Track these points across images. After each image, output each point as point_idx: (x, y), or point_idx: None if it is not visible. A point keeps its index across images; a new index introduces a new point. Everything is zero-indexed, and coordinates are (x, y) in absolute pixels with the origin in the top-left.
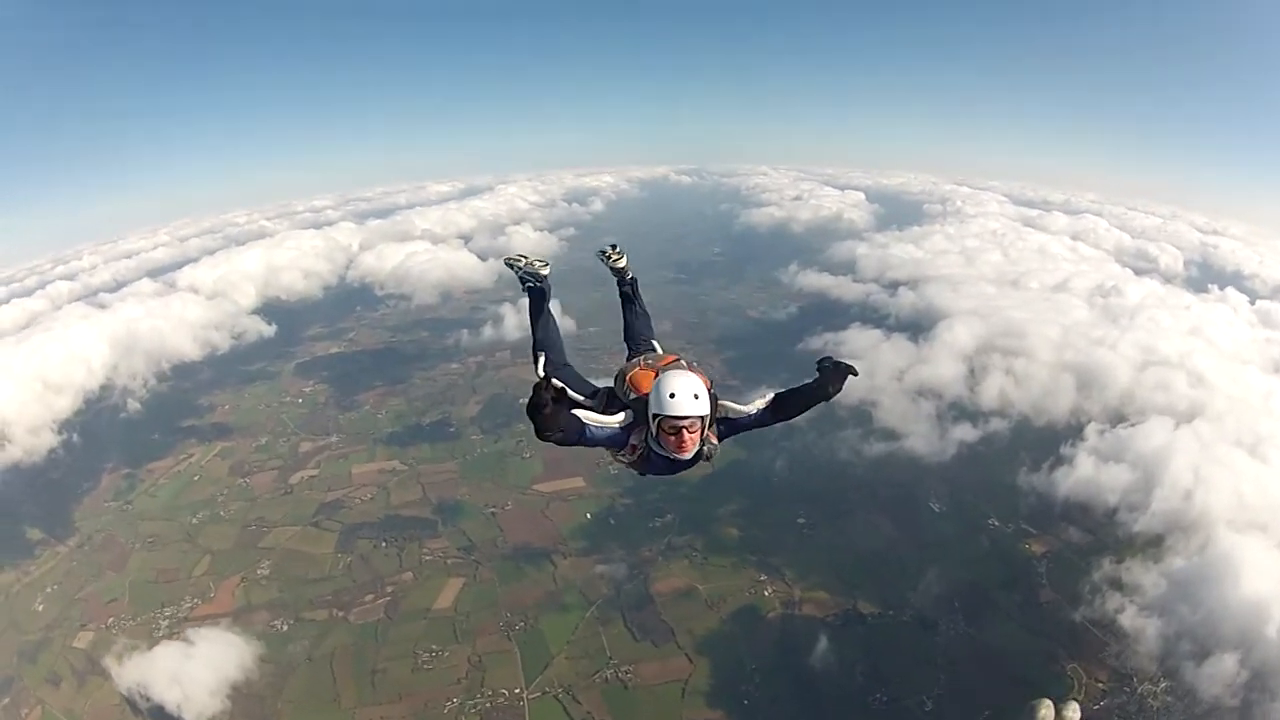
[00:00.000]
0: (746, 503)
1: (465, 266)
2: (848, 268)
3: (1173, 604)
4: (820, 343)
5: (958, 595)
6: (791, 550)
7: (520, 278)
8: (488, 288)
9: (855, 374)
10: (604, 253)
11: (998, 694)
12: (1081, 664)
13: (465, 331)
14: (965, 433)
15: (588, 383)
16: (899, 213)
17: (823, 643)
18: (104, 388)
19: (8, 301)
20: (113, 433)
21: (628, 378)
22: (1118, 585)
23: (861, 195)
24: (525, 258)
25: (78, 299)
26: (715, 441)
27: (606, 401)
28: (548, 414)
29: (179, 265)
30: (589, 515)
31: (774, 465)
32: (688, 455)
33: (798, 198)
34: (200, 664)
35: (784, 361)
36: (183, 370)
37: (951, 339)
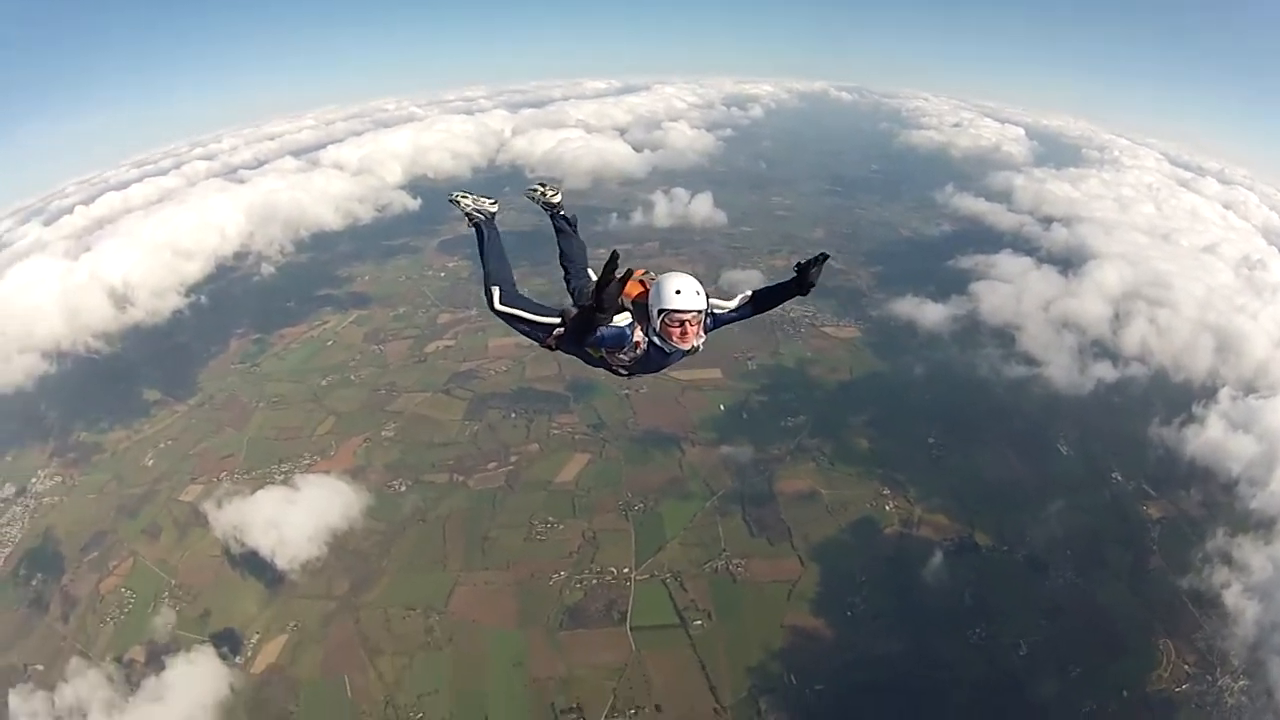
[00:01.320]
0: (880, 413)
1: (619, 156)
2: (1003, 197)
3: (1276, 590)
4: (970, 263)
5: (1071, 544)
6: (918, 469)
7: (466, 214)
8: (640, 178)
9: (828, 257)
10: (533, 190)
11: (1090, 653)
12: (1174, 641)
13: (615, 216)
14: (1104, 371)
15: (545, 306)
16: (1056, 153)
17: (934, 567)
18: (238, 255)
19: (140, 180)
20: (245, 299)
21: (624, 288)
22: (1227, 560)
23: (1021, 131)
24: (471, 194)
25: (215, 176)
26: (703, 335)
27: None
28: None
29: (323, 145)
30: (722, 407)
31: (912, 372)
32: (687, 346)
33: (957, 125)
34: (303, 510)
35: (934, 277)
36: (323, 241)
37: (1100, 279)
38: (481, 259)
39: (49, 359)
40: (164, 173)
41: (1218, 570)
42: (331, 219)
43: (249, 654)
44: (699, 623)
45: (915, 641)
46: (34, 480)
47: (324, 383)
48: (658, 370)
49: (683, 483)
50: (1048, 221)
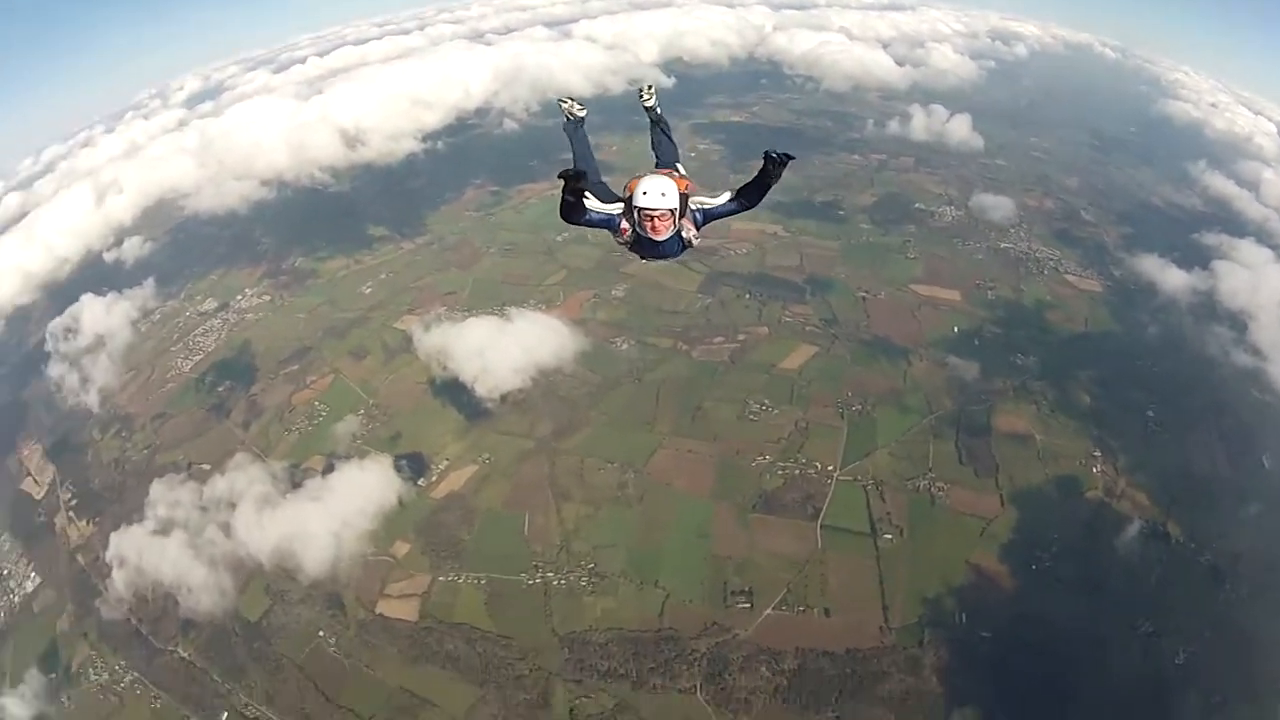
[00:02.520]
0: (1107, 372)
1: (880, 66)
2: (1252, 187)
3: None
4: (1215, 240)
5: (1253, 561)
6: (1132, 439)
7: (565, 114)
8: (900, 91)
9: (793, 158)
10: (640, 91)
11: (1238, 684)
12: None
13: (870, 123)
14: None
15: (612, 192)
16: None
17: (1124, 545)
18: (479, 110)
19: (380, 38)
20: (485, 152)
21: (627, 184)
22: None
23: (1274, 128)
24: (571, 99)
25: (461, 39)
26: (694, 230)
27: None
28: (571, 202)
29: (576, 20)
30: (956, 329)
31: (1145, 335)
32: (660, 238)
33: (1214, 105)
34: (513, 341)
35: (1179, 246)
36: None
37: None
38: (572, 150)
39: (268, 186)
40: (406, 32)
41: None
42: (580, 86)
43: (433, 478)
44: (889, 536)
45: (1087, 615)
46: (239, 298)
47: (559, 238)
48: (661, 257)
49: (903, 395)
50: None
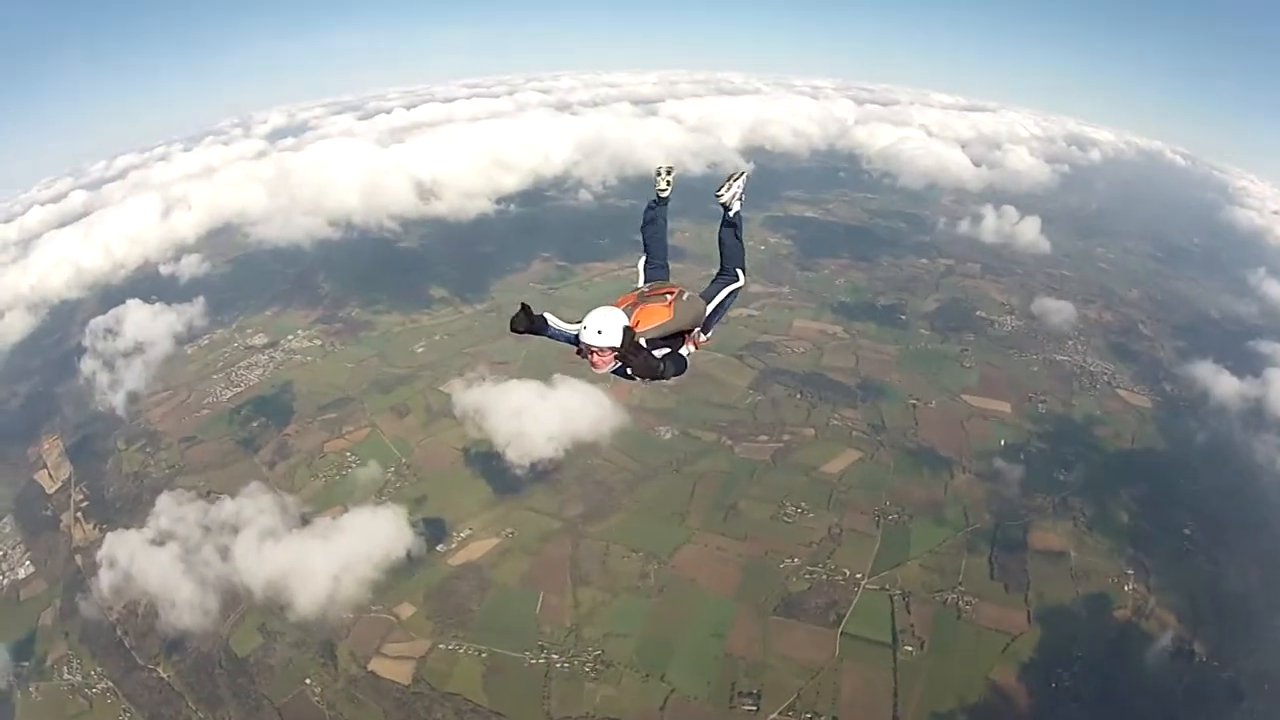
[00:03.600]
0: (1148, 491)
1: (957, 164)
2: None
3: None
4: (1269, 348)
5: (1271, 680)
6: (1165, 557)
7: (657, 190)
8: (974, 191)
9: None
10: (658, 173)
11: None
12: None
13: (943, 221)
14: None
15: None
16: None
17: (1148, 665)
18: (557, 179)
19: (468, 99)
20: (558, 226)
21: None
22: None
23: None
24: (665, 172)
25: (548, 107)
26: (704, 337)
27: None
28: (516, 317)
29: (663, 100)
30: (1003, 442)
31: (1191, 448)
32: (600, 372)
33: (1277, 213)
34: (552, 407)
35: (1233, 354)
36: (648, 193)
37: None
38: (643, 236)
39: (336, 226)
40: (495, 96)
41: None
42: (659, 163)
43: (452, 544)
44: (909, 649)
45: None
46: (290, 338)
47: None
48: (628, 379)
49: (942, 506)
50: None
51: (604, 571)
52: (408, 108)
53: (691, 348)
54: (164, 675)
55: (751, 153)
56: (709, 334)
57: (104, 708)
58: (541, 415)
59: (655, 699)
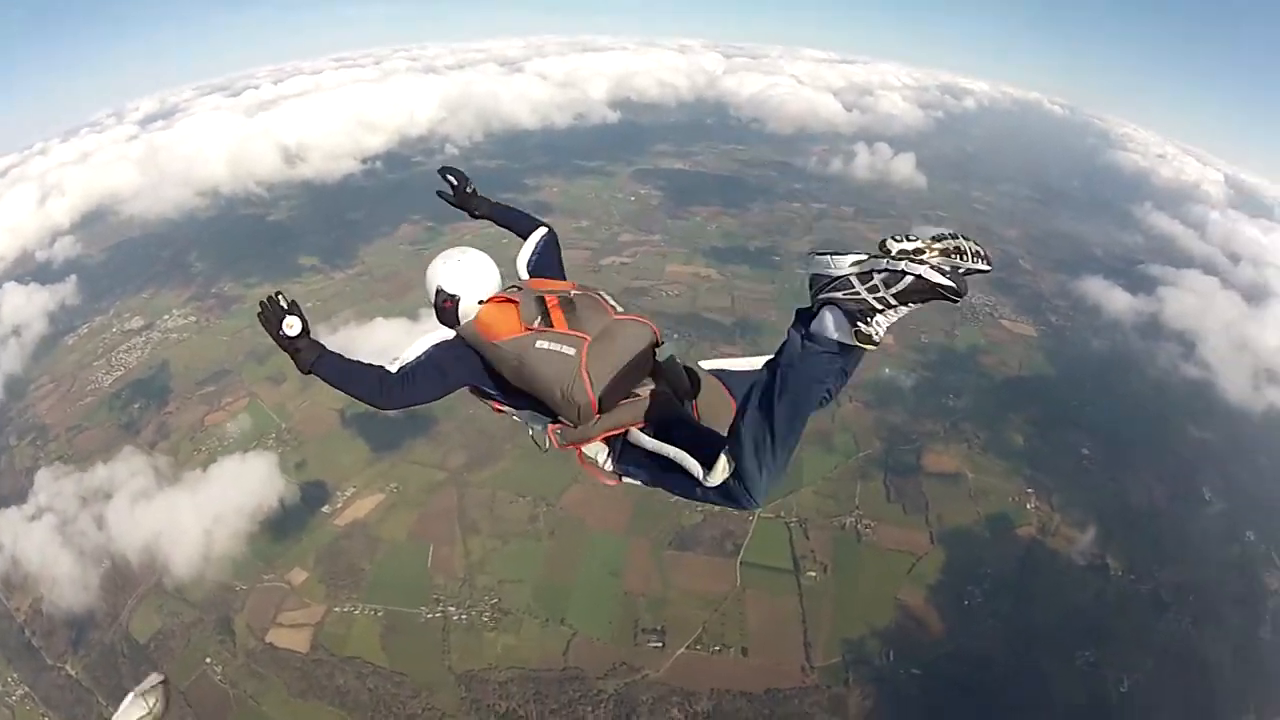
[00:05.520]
0: (1040, 414)
1: (826, 108)
2: (1197, 227)
3: None
4: (1160, 272)
5: (1194, 591)
6: (1065, 477)
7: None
8: (846, 134)
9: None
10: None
11: (1184, 710)
12: None
13: (814, 160)
14: (1276, 397)
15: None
16: (1251, 204)
17: (1061, 580)
18: (423, 138)
19: (337, 70)
20: (424, 188)
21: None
22: None
23: (1221, 177)
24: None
25: (412, 70)
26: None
27: None
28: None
29: (530, 59)
30: (887, 371)
31: (1081, 371)
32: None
33: (1161, 156)
34: (419, 336)
35: (1127, 276)
36: (515, 148)
37: None
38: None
39: (204, 197)
40: (362, 67)
41: None
42: (527, 119)
43: (338, 504)
44: (812, 574)
45: (1023, 650)
46: (165, 318)
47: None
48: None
49: (830, 435)
50: (1236, 259)
51: (492, 518)
52: (275, 83)
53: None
54: (73, 673)
55: (618, 104)
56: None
57: (25, 715)
58: (408, 347)
59: (558, 644)
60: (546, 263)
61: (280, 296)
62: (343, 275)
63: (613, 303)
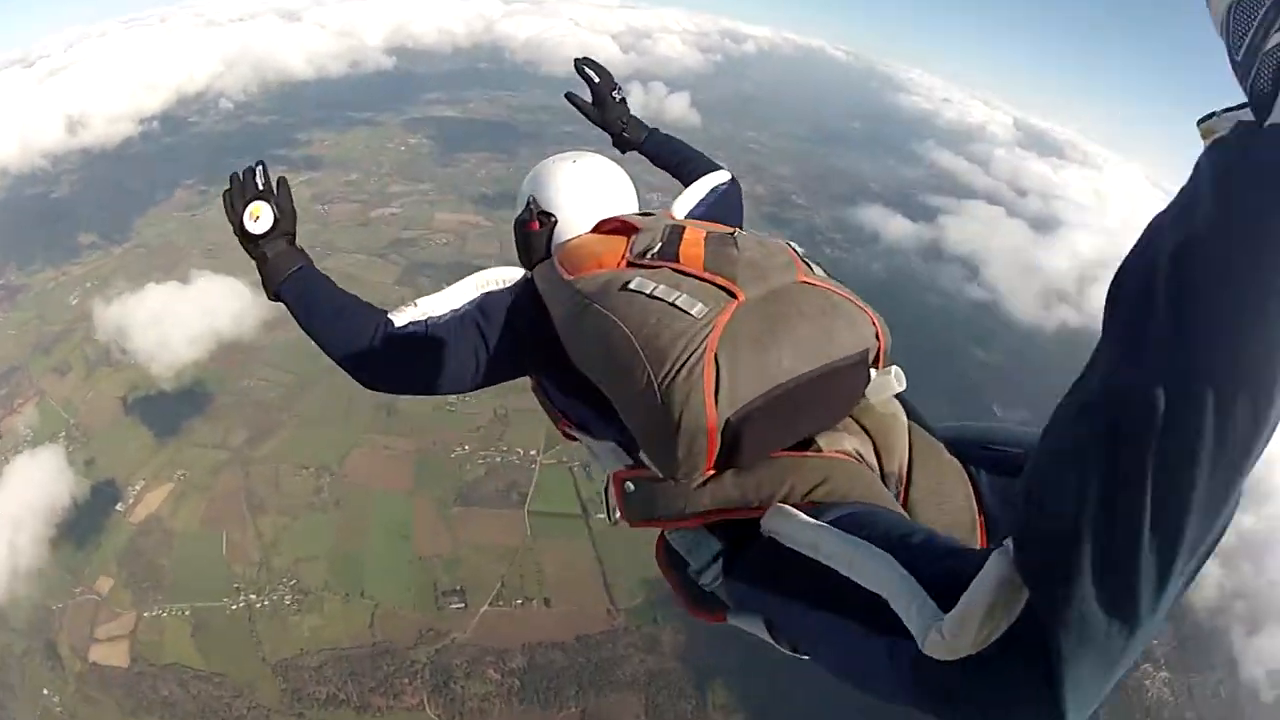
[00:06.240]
0: None
1: (604, 51)
2: (982, 163)
3: (1236, 560)
4: (941, 202)
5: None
6: None
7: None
8: (622, 75)
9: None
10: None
11: None
12: None
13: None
14: (1068, 315)
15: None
16: (1039, 144)
17: None
18: (200, 94)
19: (126, 29)
20: (197, 151)
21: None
22: None
23: (1009, 120)
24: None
25: (195, 25)
26: None
27: None
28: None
29: (309, 8)
30: None
31: (866, 276)
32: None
33: (946, 99)
34: (190, 305)
35: (903, 205)
36: (289, 103)
37: (1071, 241)
38: None
39: None
40: (149, 25)
41: None
42: (302, 69)
43: (130, 501)
44: (601, 516)
45: None
46: None
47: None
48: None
49: None
50: (1023, 193)
51: (279, 495)
52: (65, 49)
53: None
54: None
55: (394, 50)
56: None
57: None
58: (181, 316)
59: (363, 617)
60: (720, 218)
61: (260, 168)
62: (120, 250)
63: (807, 262)
